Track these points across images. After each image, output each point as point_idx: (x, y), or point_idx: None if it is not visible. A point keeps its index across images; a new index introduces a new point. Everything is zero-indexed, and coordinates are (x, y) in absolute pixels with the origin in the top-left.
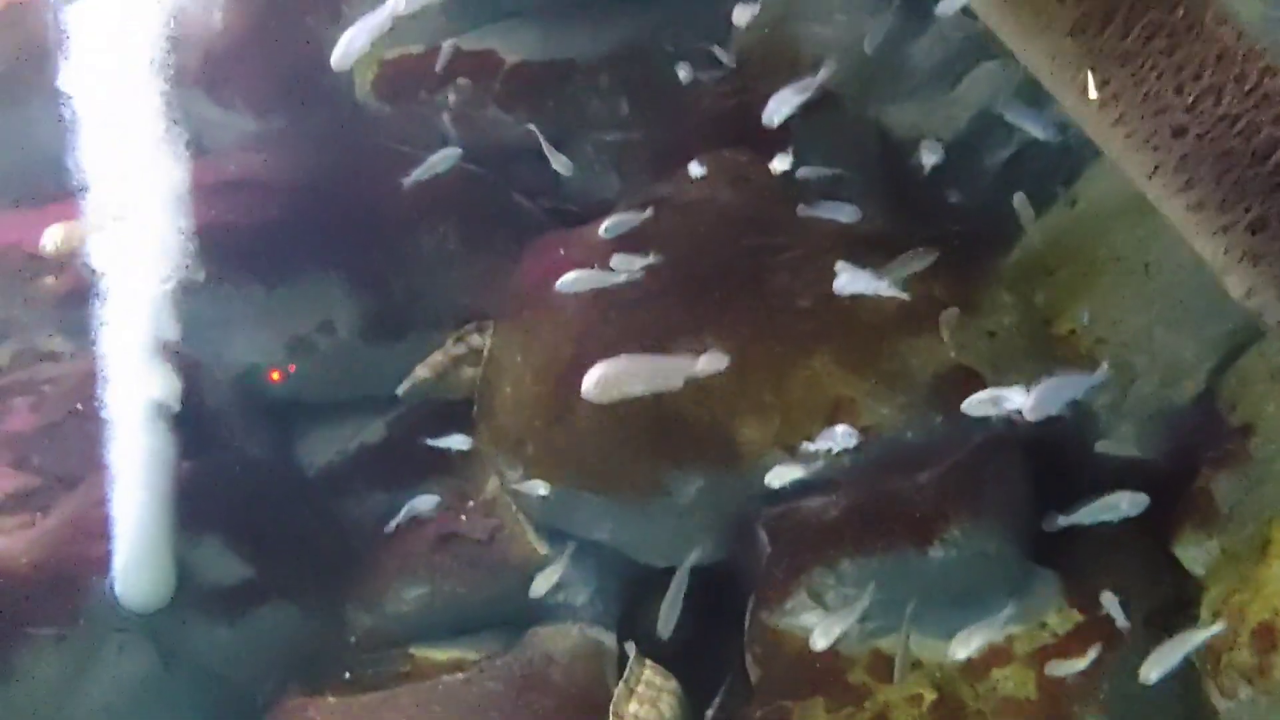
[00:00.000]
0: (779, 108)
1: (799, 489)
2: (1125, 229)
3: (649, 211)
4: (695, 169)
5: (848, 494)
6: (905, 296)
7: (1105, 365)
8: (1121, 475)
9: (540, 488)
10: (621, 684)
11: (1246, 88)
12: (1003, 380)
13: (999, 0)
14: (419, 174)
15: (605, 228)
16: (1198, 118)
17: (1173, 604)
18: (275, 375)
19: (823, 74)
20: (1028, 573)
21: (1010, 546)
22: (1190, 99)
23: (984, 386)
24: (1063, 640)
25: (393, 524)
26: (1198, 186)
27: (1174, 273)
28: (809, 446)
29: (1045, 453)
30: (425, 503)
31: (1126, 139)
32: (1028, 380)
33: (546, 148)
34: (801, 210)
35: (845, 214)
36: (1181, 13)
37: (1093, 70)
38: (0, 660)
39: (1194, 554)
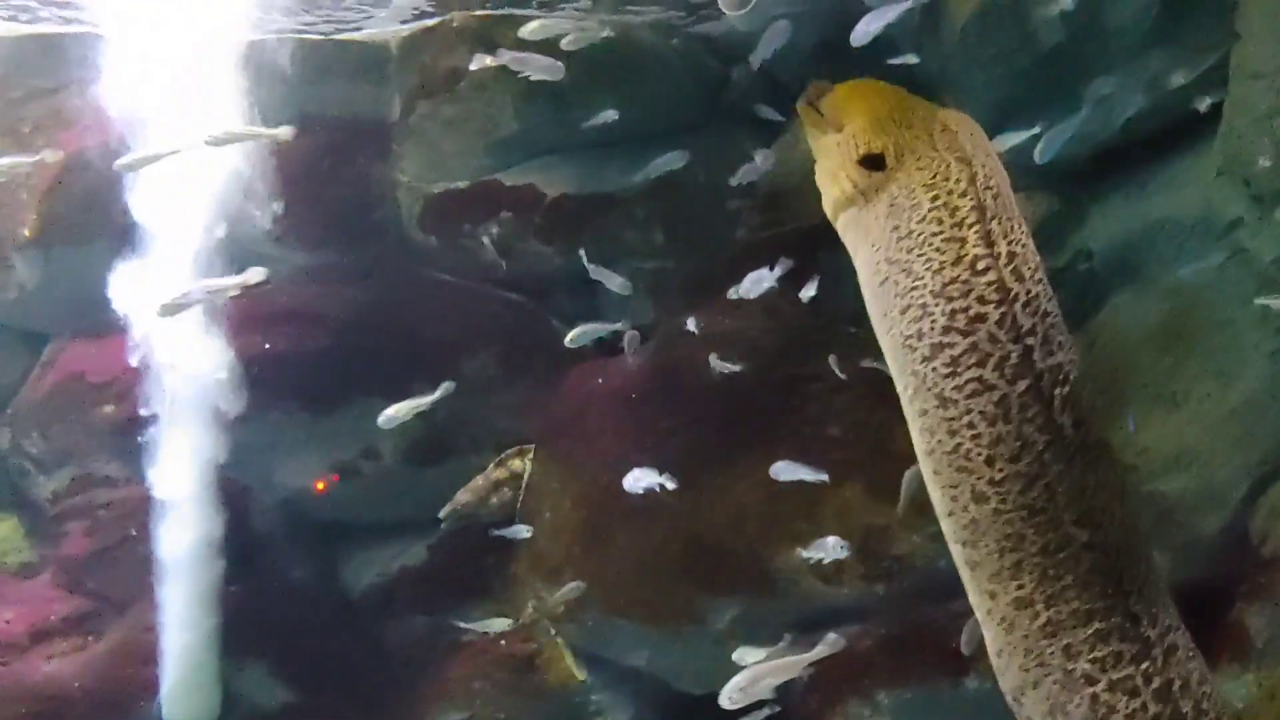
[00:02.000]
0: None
1: (833, 617)
2: (1152, 358)
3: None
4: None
5: (881, 623)
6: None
7: None
8: (1197, 563)
9: (574, 592)
10: None
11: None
12: None
13: None
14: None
15: (570, 338)
16: (1002, 496)
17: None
18: (320, 485)
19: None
20: None
21: None
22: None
23: None
24: None
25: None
26: (980, 548)
27: (1202, 401)
28: (801, 553)
29: None
30: (498, 624)
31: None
32: None
33: (597, 271)
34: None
35: None
36: None
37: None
38: None
39: (1231, 688)
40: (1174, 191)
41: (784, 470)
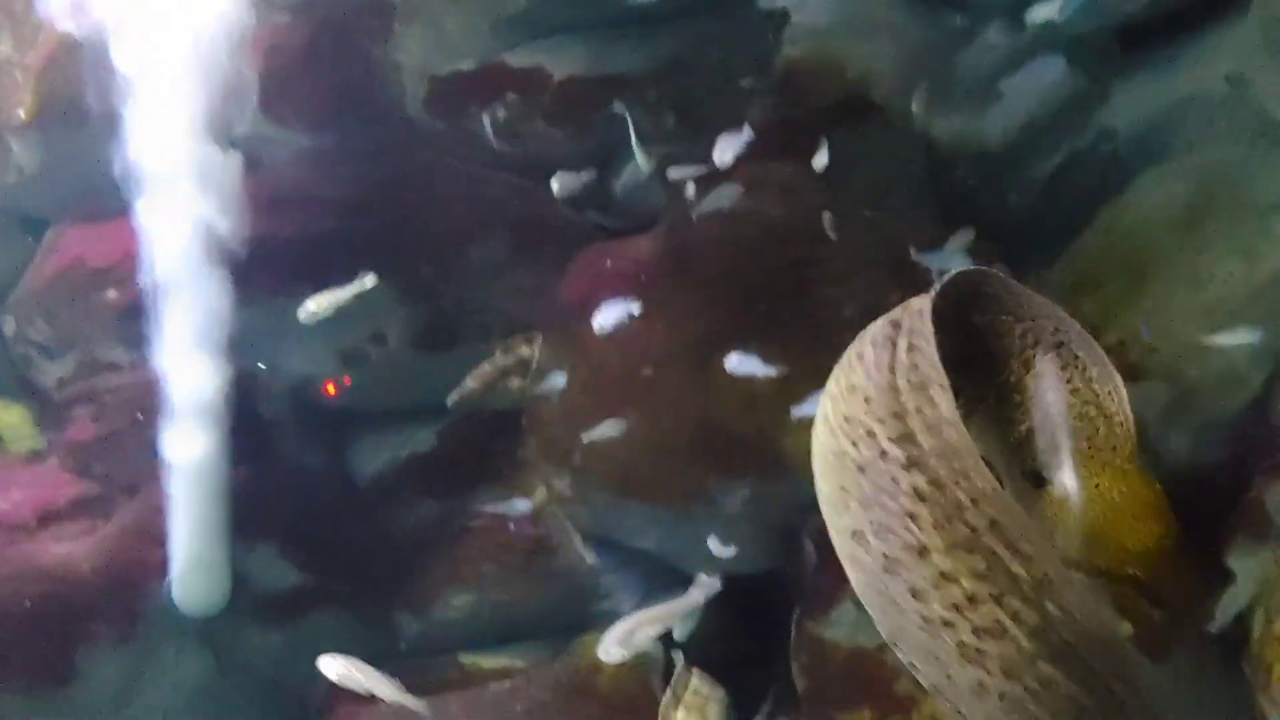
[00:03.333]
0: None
1: None
2: (1177, 238)
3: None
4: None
5: None
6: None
7: None
8: (1175, 484)
9: (612, 429)
10: (669, 691)
11: None
12: None
13: None
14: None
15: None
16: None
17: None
18: (331, 388)
19: None
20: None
21: None
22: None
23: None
24: None
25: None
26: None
27: (1227, 282)
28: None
29: None
30: (519, 506)
31: None
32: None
33: (635, 142)
34: (915, 255)
35: (957, 262)
36: None
37: None
38: (62, 662)
39: (1246, 565)
40: (1203, 67)
41: (737, 363)
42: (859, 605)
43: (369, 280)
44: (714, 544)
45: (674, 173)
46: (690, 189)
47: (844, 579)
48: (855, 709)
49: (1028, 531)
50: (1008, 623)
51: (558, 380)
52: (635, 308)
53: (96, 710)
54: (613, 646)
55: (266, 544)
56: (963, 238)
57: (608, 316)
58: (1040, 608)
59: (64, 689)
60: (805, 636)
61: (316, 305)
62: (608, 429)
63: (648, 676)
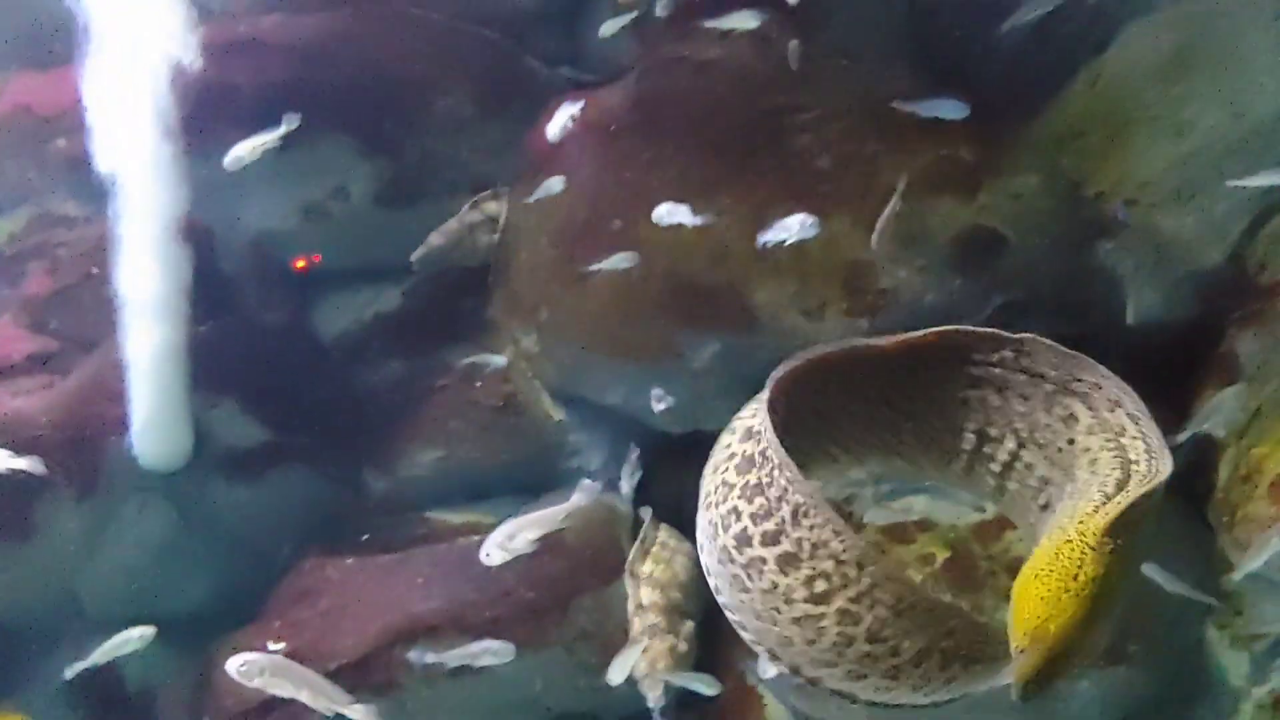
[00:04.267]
0: None
1: None
2: (1160, 89)
3: None
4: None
5: None
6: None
7: None
8: (1147, 339)
9: (625, 260)
10: (637, 544)
11: None
12: (1027, 242)
13: None
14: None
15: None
16: None
17: (1194, 467)
18: (300, 263)
19: None
20: None
21: None
22: None
23: (1007, 248)
24: None
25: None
26: None
27: (1208, 134)
28: (762, 238)
29: (1068, 317)
30: (490, 359)
31: None
32: (1051, 243)
33: None
34: (899, 104)
35: (949, 110)
36: None
37: None
38: (21, 518)
39: (1215, 415)
40: None
41: (665, 213)
42: (831, 459)
43: (293, 121)
44: (656, 395)
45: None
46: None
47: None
48: None
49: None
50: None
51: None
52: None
53: (59, 565)
54: (494, 549)
55: (229, 400)
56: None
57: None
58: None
59: (24, 544)
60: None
61: (243, 150)
62: (619, 260)
63: (615, 531)
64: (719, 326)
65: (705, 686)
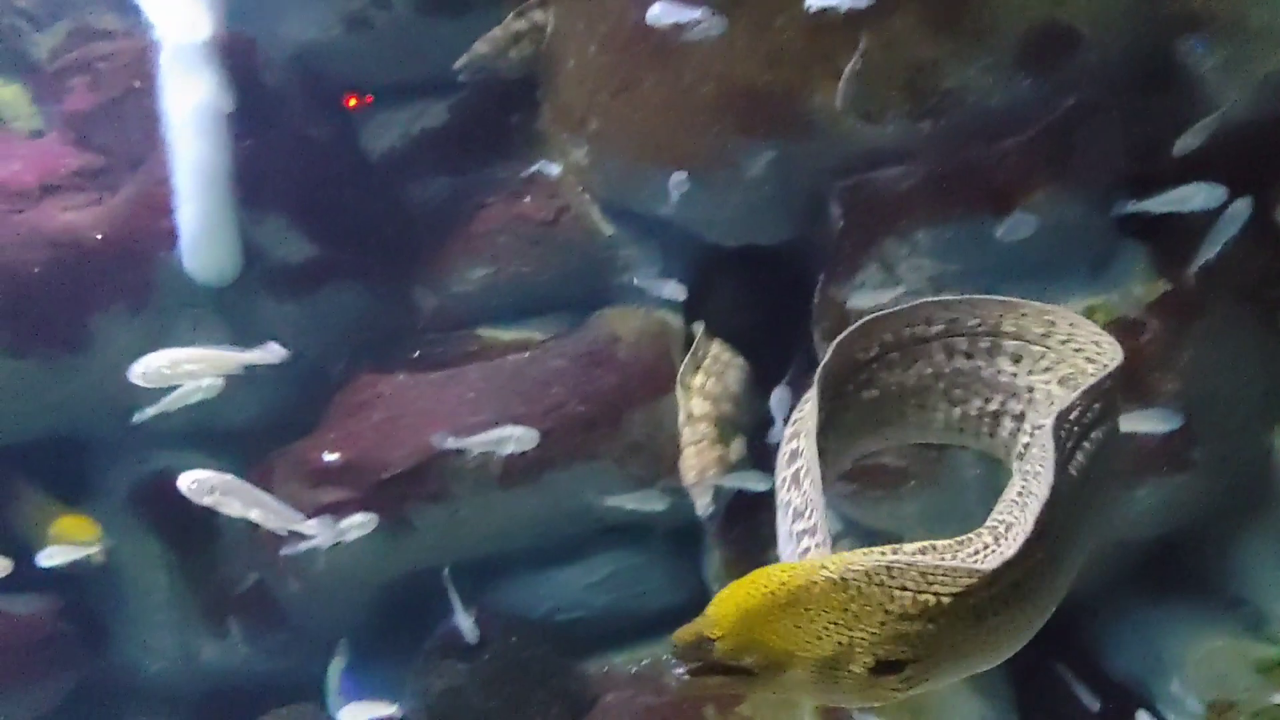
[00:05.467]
0: None
1: (874, 159)
2: None
3: None
4: None
5: (926, 162)
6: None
7: None
8: (1228, 141)
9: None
10: (688, 357)
11: None
12: (1103, 38)
13: None
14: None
15: None
16: None
17: (1271, 275)
18: (353, 100)
19: None
20: (1113, 244)
21: (1096, 217)
22: None
23: (1081, 45)
24: (1146, 310)
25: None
26: None
27: None
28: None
29: (1144, 119)
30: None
31: None
32: (1129, 40)
33: None
34: None
35: None
36: None
37: None
38: (78, 330)
39: None
40: None
41: (660, 13)
42: (886, 268)
43: None
44: (674, 182)
45: None
46: None
47: (869, 243)
48: None
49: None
50: None
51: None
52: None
53: (117, 380)
54: (145, 371)
55: (276, 216)
56: None
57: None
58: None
59: (80, 356)
60: (828, 303)
61: None
62: (710, 26)
63: (666, 345)
64: (774, 133)
65: (756, 483)
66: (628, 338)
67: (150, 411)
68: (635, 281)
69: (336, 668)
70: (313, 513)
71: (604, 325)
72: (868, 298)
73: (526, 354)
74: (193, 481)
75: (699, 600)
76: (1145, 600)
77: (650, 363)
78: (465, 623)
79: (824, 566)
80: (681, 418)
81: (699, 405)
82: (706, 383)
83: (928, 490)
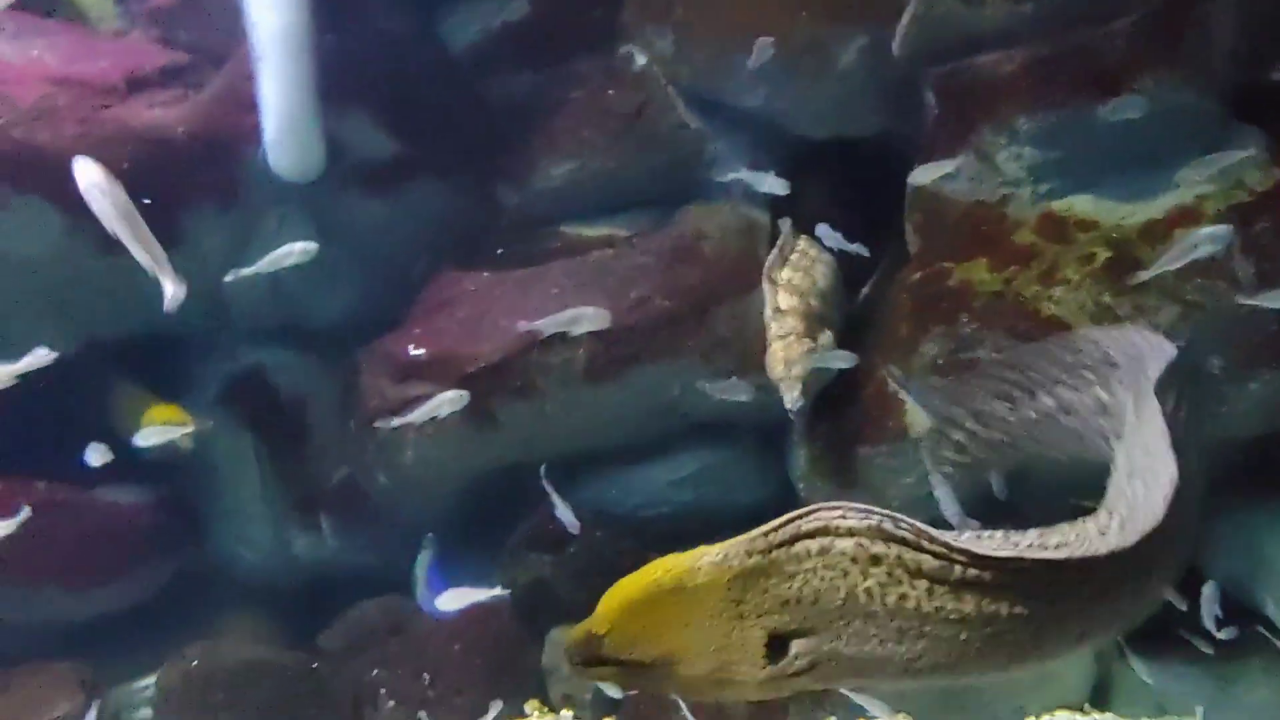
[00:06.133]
0: None
1: (972, 44)
2: None
3: None
4: None
5: (1028, 46)
6: None
7: None
8: None
9: None
10: (776, 251)
11: None
12: None
13: None
14: None
15: None
16: None
17: None
18: None
19: None
20: (1227, 130)
21: (1209, 102)
22: None
23: None
24: (1260, 199)
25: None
26: None
27: None
28: None
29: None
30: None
31: None
32: None
33: None
34: None
35: None
36: None
37: None
38: (169, 228)
39: None
40: None
41: None
42: (983, 157)
43: None
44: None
45: None
46: None
47: (965, 132)
48: (970, 260)
49: None
50: None
51: None
52: None
53: (208, 276)
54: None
55: (359, 112)
56: None
57: None
58: None
59: (171, 253)
60: (920, 194)
61: None
62: None
63: (752, 241)
64: (867, 17)
65: (844, 361)
66: (713, 234)
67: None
68: (732, 176)
69: (423, 561)
70: (401, 407)
71: (689, 221)
72: (963, 187)
73: (610, 251)
74: (86, 171)
75: (783, 498)
76: (1249, 501)
77: (736, 259)
78: (566, 514)
79: (704, 551)
80: (768, 312)
81: (786, 300)
82: (794, 277)
83: None
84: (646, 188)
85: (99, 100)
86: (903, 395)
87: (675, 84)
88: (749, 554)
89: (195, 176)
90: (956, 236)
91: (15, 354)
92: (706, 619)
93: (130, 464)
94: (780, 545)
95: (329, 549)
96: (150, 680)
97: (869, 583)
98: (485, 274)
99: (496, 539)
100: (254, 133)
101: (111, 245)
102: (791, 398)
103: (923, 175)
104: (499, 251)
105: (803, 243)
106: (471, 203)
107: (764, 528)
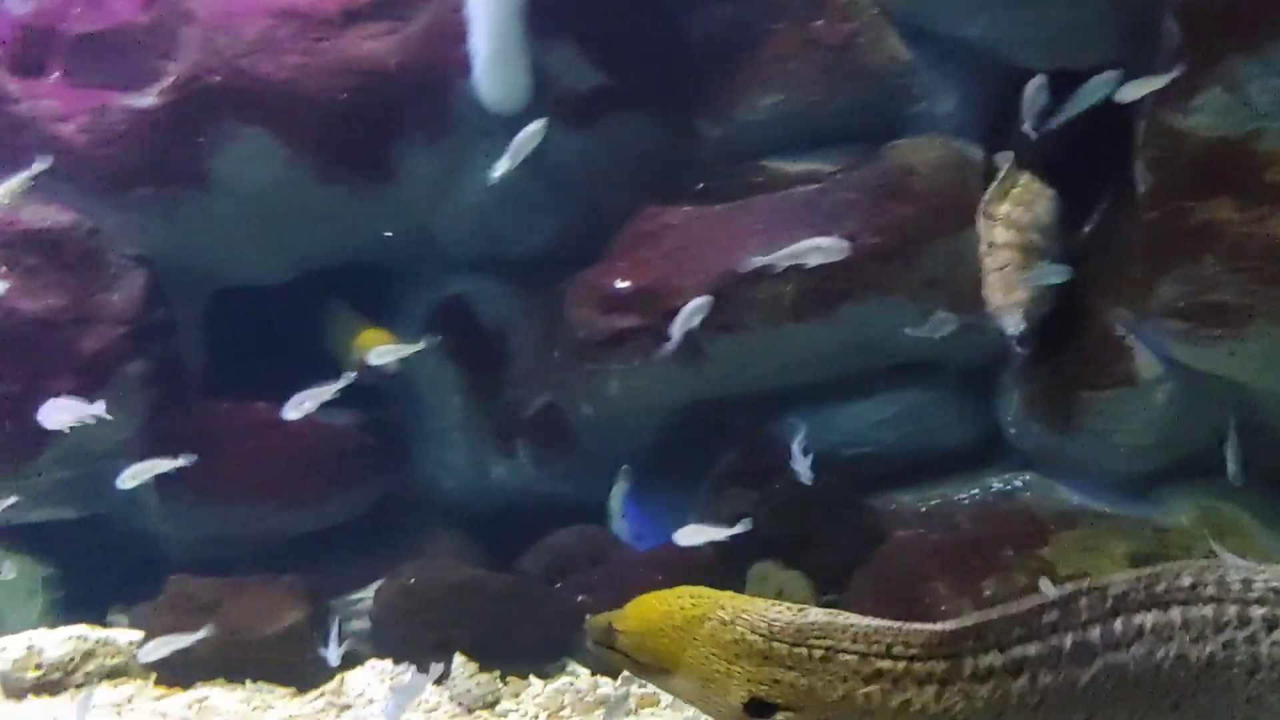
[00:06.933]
0: None
1: None
2: None
3: None
4: None
5: None
6: None
7: None
8: None
9: None
10: (995, 185)
11: None
12: None
13: None
14: None
15: None
16: None
17: None
18: None
19: None
20: None
21: None
22: None
23: None
24: None
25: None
26: None
27: None
28: None
29: None
30: None
31: None
32: None
33: None
34: None
35: None
36: None
37: None
38: (381, 158)
39: None
40: None
41: None
42: (1232, 88)
43: None
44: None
45: None
46: None
47: (1212, 61)
48: (1213, 198)
49: None
50: None
51: None
52: None
53: (416, 206)
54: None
55: (565, 43)
56: None
57: None
58: None
59: (382, 183)
60: (1157, 129)
61: None
62: None
63: (966, 178)
64: None
65: (1059, 276)
66: (924, 170)
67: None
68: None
69: (618, 492)
70: (607, 339)
71: (898, 156)
72: (1205, 120)
73: (815, 186)
74: None
75: (989, 441)
76: None
77: (949, 195)
78: (802, 465)
79: (721, 606)
80: (983, 247)
81: (1002, 234)
82: (1014, 212)
83: (1276, 329)
84: (852, 122)
85: (317, 32)
86: (1131, 342)
87: (887, 13)
88: (753, 631)
89: (407, 108)
90: (1198, 174)
91: (238, 282)
92: (700, 661)
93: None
94: (783, 642)
95: (525, 476)
96: (362, 594)
97: (871, 689)
98: (686, 208)
99: (692, 472)
100: (463, 65)
101: (330, 175)
102: (1014, 322)
103: (1130, 91)
104: (699, 186)
105: (1025, 177)
106: (672, 136)
107: (777, 612)
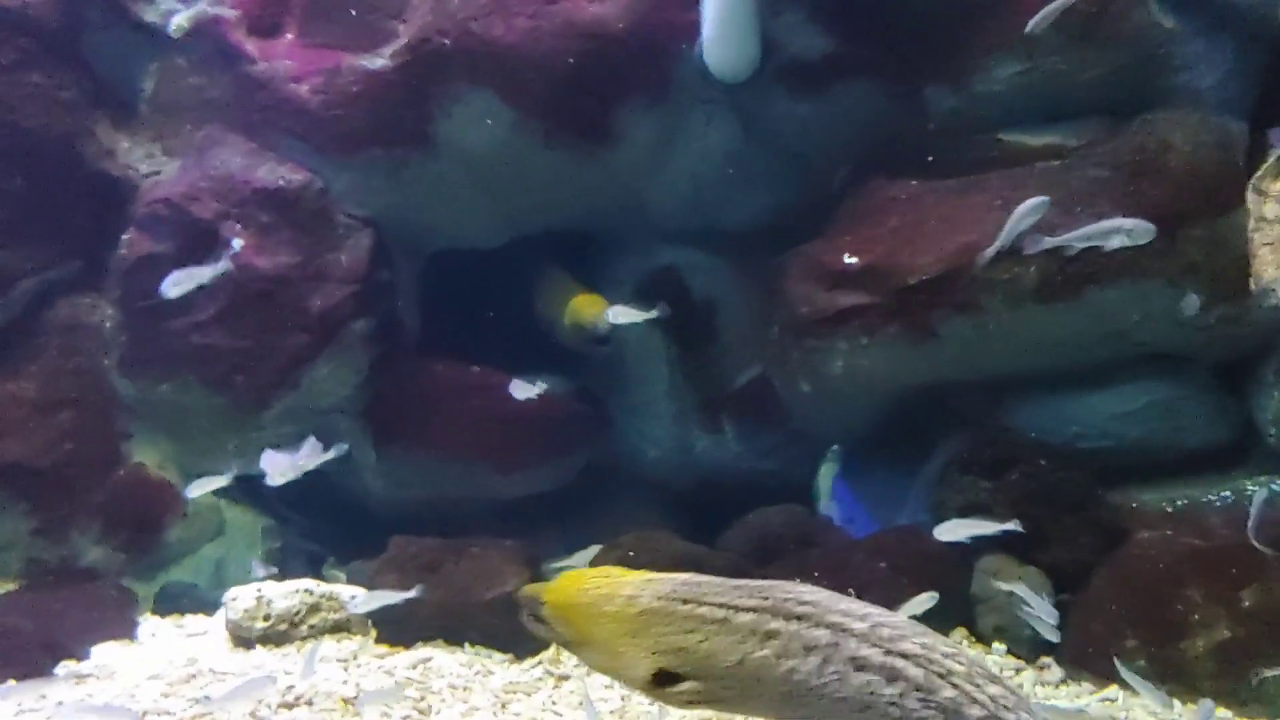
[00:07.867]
0: None
1: None
2: None
3: None
4: None
5: None
6: None
7: None
8: None
9: None
10: (1272, 160)
11: None
12: None
13: None
14: None
15: None
16: None
17: None
18: None
19: None
20: None
21: None
22: None
23: None
24: None
25: None
26: None
27: None
28: None
29: None
30: None
31: None
32: None
33: None
34: None
35: None
36: None
37: None
38: (603, 123)
39: None
40: None
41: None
42: None
43: None
44: None
45: None
46: None
47: None
48: None
49: None
50: None
51: None
52: None
53: (632, 172)
54: None
55: (796, 7)
56: None
57: None
58: None
59: (602, 148)
60: None
61: None
62: None
63: (1230, 156)
64: None
65: None
66: (1181, 146)
67: None
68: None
69: (827, 473)
70: (832, 316)
71: (1151, 131)
72: None
73: (1058, 162)
74: None
75: (1243, 441)
76: None
77: (1210, 174)
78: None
79: (628, 583)
80: (1251, 223)
81: (1274, 209)
82: None
83: None
84: (1102, 93)
85: None
86: None
87: None
88: (656, 598)
89: (629, 72)
90: None
91: (454, 245)
92: (608, 635)
93: (551, 356)
94: (681, 602)
95: (730, 452)
96: (569, 562)
97: (764, 652)
98: (914, 182)
99: (906, 458)
100: (689, 30)
101: (553, 139)
102: None
103: None
104: (929, 159)
105: None
106: (902, 106)
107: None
